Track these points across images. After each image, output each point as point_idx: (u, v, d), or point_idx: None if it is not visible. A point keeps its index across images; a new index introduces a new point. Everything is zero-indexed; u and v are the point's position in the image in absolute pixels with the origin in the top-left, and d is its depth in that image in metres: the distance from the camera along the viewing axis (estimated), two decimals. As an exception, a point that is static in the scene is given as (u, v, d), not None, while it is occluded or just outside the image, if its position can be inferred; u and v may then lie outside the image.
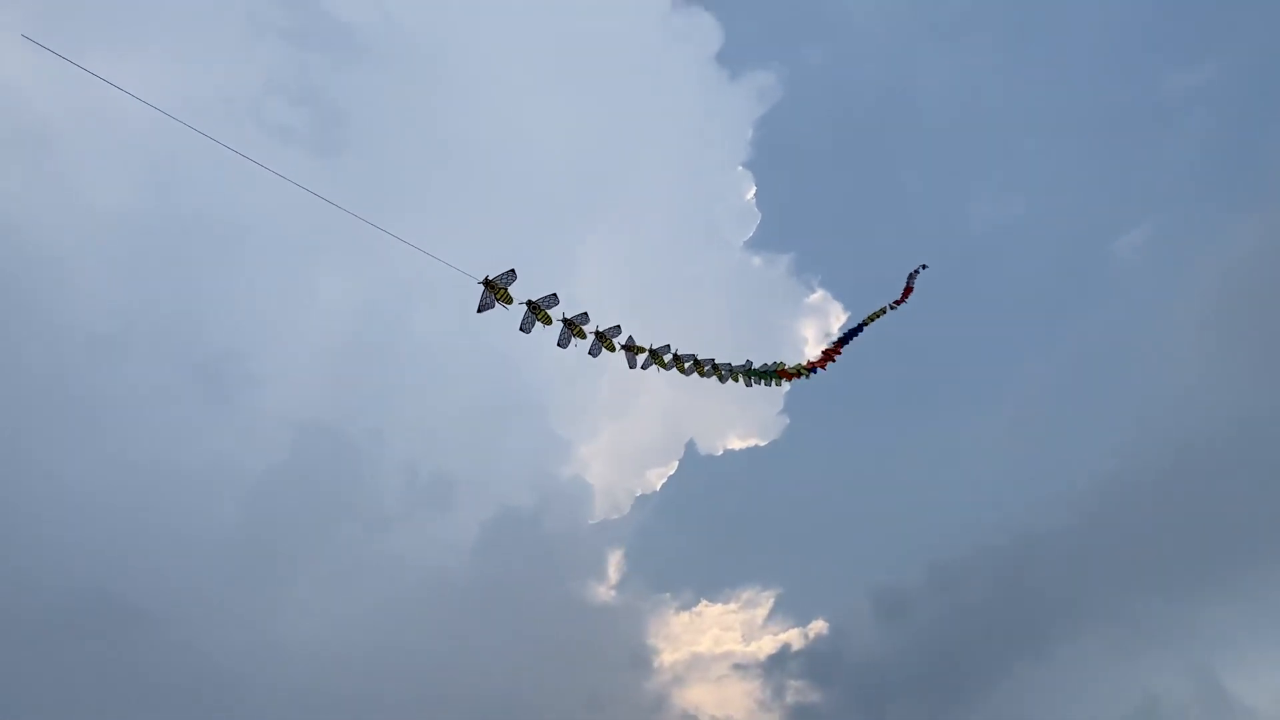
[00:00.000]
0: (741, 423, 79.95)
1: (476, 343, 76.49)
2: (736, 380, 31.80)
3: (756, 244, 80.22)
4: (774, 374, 33.84)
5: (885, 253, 79.61)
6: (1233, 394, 67.80)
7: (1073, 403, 76.96)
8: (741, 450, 79.60)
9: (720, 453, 79.96)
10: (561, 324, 23.14)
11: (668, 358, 27.54)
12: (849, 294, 77.67)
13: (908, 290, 47.07)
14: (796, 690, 71.33)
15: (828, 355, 40.23)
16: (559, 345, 23.31)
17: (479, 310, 20.06)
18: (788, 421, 79.21)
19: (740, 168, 79.06)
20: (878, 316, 44.33)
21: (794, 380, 36.60)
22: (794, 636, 75.10)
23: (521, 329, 21.74)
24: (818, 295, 79.92)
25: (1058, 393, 77.62)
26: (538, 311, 22.24)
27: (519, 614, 75.03)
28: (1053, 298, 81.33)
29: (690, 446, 79.97)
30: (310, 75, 74.82)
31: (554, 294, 21.98)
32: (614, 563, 79.18)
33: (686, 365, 28.29)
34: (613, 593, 78.32)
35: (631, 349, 25.82)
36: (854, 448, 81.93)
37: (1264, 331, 69.20)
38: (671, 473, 79.52)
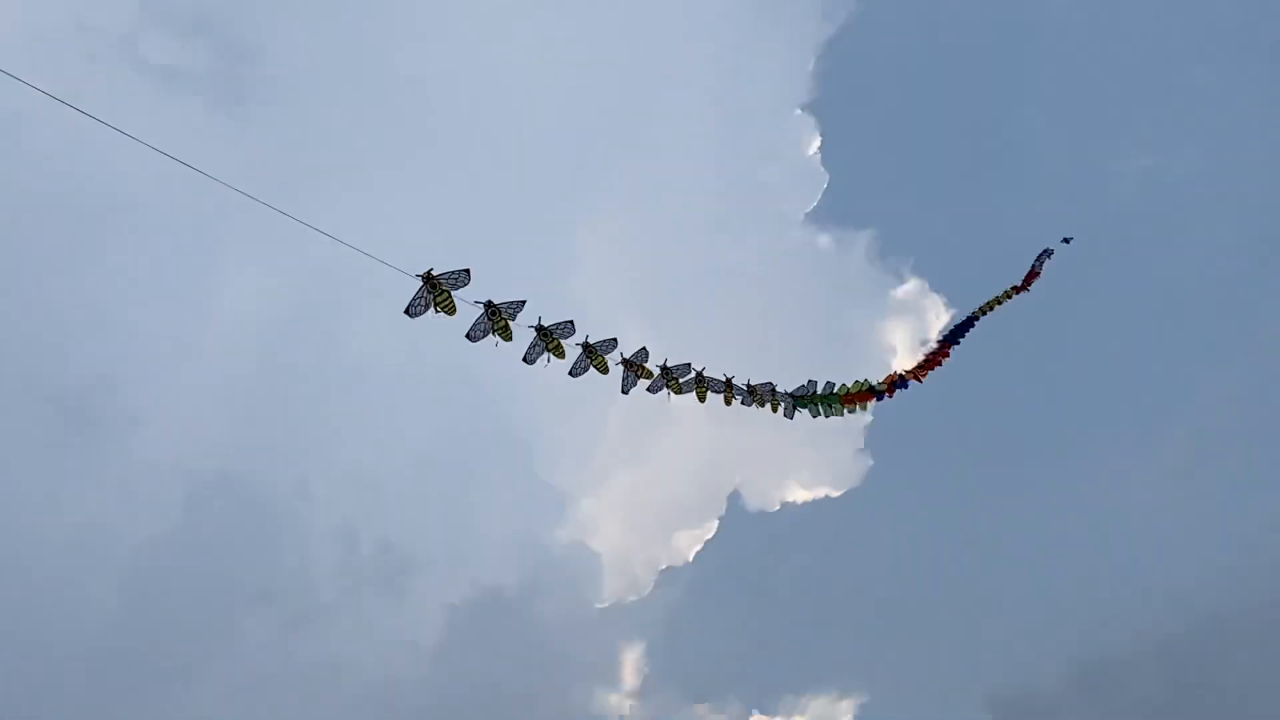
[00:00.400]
0: (806, 465, 66.01)
1: (437, 363, 60.92)
2: (792, 414, 27.30)
3: (823, 217, 66.55)
4: (836, 399, 28.89)
5: (1000, 224, 66.18)
6: None
7: (1275, 432, 60.60)
8: (806, 504, 65.58)
9: (776, 507, 66.04)
10: (581, 350, 19.99)
11: (685, 379, 23.07)
12: (953, 283, 61.95)
13: (1033, 273, 41.38)
14: None
15: (928, 362, 35.06)
16: (572, 374, 20.40)
17: (409, 311, 16.36)
18: (870, 463, 64.62)
19: (799, 111, 66.24)
20: (993, 306, 38.47)
21: (876, 403, 31.58)
22: None
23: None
24: (910, 286, 66.24)
25: (1252, 418, 61.42)
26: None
27: None
28: (1242, 285, 65.25)
29: (734, 500, 65.99)
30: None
31: (570, 321, 19.51)
32: (632, 662, 66.06)
33: (721, 392, 24.31)
34: (631, 703, 64.89)
35: (636, 369, 21.72)
36: (962, 498, 66.20)
37: None
38: (709, 536, 65.90)
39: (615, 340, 20.80)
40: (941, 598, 64.08)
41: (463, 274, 17.31)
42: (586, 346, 20.18)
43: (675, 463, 66.80)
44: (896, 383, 32.82)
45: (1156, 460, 64.48)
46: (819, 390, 28.78)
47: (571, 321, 19.58)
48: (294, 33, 63.50)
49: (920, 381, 34.06)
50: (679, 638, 66.00)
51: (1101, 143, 69.99)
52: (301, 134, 64.44)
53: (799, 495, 65.84)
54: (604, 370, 20.97)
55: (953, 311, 49.10)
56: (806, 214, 66.42)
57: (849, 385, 30.09)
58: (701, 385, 23.79)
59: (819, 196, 66.34)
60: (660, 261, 65.04)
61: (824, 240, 67.19)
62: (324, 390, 63.52)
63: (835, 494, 64.66)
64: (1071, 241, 45.13)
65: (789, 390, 27.05)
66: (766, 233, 66.33)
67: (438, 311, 17.34)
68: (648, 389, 22.49)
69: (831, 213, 66.48)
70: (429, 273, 16.80)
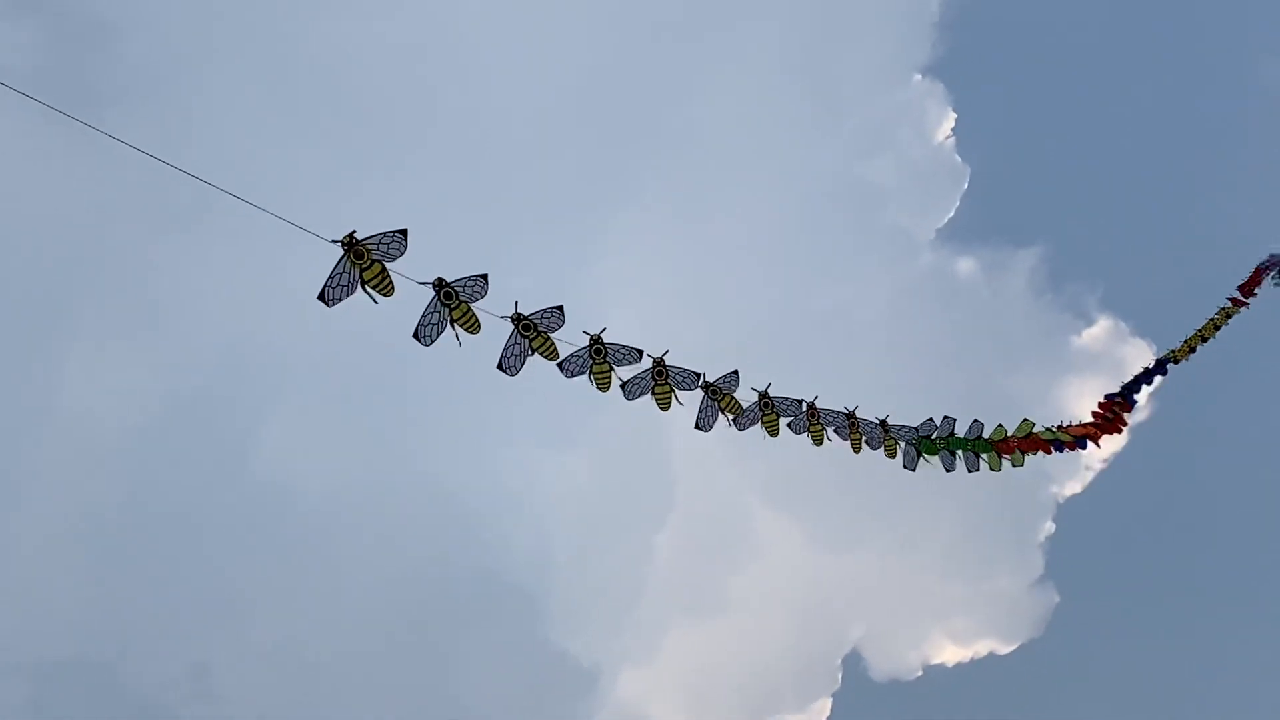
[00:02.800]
0: (959, 608, 58.33)
1: (395, 475, 55.48)
2: (914, 464, 24.31)
3: (963, 232, 60.05)
4: (988, 446, 25.53)
5: (1225, 231, 57.62)
6: None
7: None
8: (964, 665, 57.20)
9: (918, 674, 57.98)
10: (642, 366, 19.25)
11: (790, 413, 21.40)
12: (1163, 318, 56.39)
13: (1252, 282, 39.34)
14: None
15: (1104, 421, 31.03)
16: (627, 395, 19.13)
17: (324, 297, 15.58)
18: (1056, 600, 56.45)
19: (919, 77, 59.63)
20: (1197, 344, 36.15)
21: (1055, 454, 28.53)
22: None
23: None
24: (1100, 328, 59.22)
25: None
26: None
27: None
28: None
29: (854, 665, 58.08)
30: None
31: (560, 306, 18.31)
32: None
33: (845, 433, 22.64)
34: None
35: (719, 396, 20.17)
36: (1199, 646, 56.41)
37: None
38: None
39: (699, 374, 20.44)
40: None
41: (393, 238, 16.39)
42: (658, 364, 19.46)
43: (761, 614, 57.91)
44: (1084, 438, 30.06)
45: None
46: (963, 435, 25.51)
47: (561, 307, 17.96)
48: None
49: (1097, 445, 31.63)
50: None
51: None
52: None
53: (951, 655, 57.81)
54: (665, 406, 19.79)
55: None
56: (939, 229, 59.44)
57: (1028, 428, 27.16)
58: (816, 422, 21.79)
59: (957, 202, 59.20)
60: (715, 303, 57.27)
61: (966, 265, 60.02)
62: (226, 527, 54.91)
63: (1005, 650, 56.72)
64: None
65: (913, 429, 24.40)
66: (881, 257, 58.63)
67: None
68: (734, 423, 20.63)
69: (975, 226, 59.09)
70: (351, 236, 15.99)
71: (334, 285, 15.84)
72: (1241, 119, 62.31)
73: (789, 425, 21.19)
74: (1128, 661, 57.00)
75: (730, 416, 19.68)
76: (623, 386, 18.31)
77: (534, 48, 55.30)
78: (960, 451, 25.26)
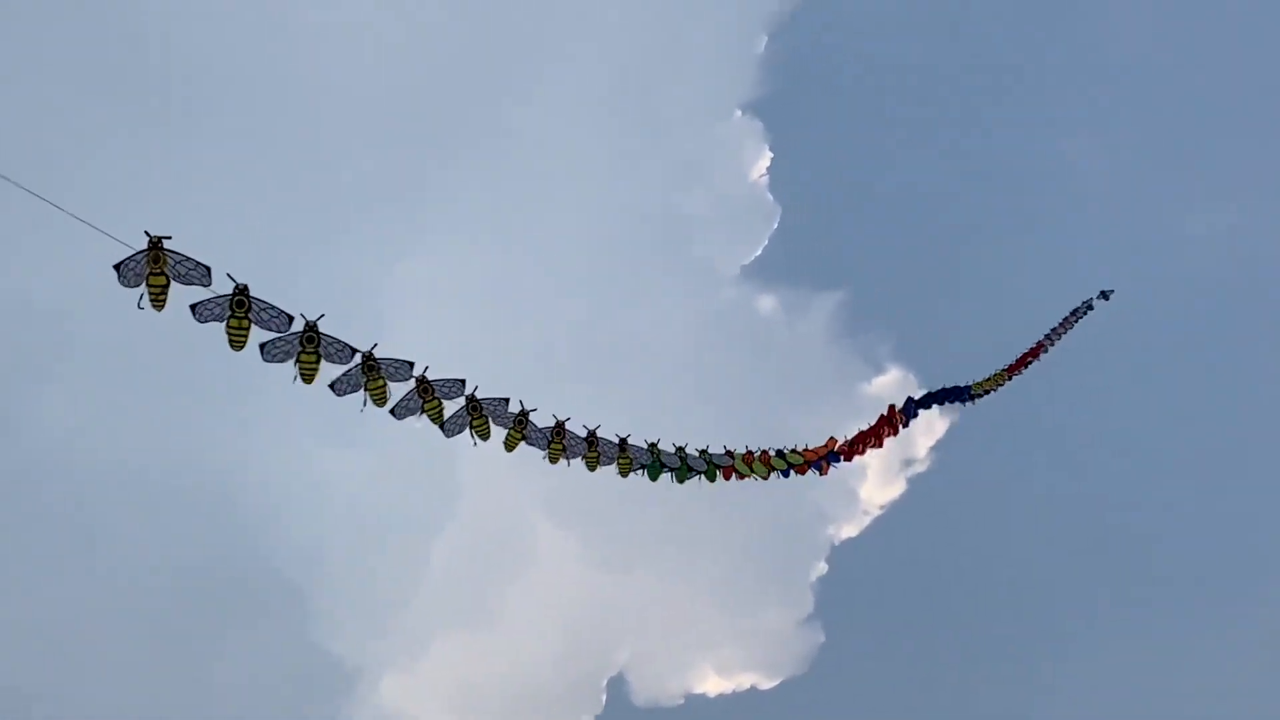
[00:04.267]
0: (726, 640, 64.42)
1: (157, 457, 59.97)
2: (655, 475, 27.45)
3: (768, 270, 66.14)
4: (714, 470, 29.28)
5: (1022, 290, 65.43)
6: None
7: None
8: (726, 697, 63.44)
9: (680, 702, 63.98)
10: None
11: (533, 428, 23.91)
12: (952, 374, 61.15)
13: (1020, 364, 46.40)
14: None
15: (869, 435, 36.92)
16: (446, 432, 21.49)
17: (119, 270, 16.53)
18: (821, 640, 62.91)
19: (739, 113, 65.69)
20: (991, 388, 43.71)
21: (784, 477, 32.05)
22: None
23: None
24: (890, 378, 65.66)
25: None
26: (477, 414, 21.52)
27: None
28: None
29: (617, 689, 63.70)
30: None
31: (462, 380, 21.08)
32: None
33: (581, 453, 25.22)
34: None
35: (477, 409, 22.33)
36: (953, 696, 64.17)
37: None
38: None
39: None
40: None
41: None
42: (421, 381, 20.59)
43: (531, 630, 63.35)
44: (829, 456, 33.77)
45: (1241, 634, 63.73)
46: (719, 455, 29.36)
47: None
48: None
49: (857, 456, 35.99)
50: None
51: (1168, 188, 70.90)
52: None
53: (713, 685, 63.80)
54: (484, 436, 22.53)
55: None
56: (745, 265, 65.58)
57: (791, 452, 31.41)
58: (560, 439, 23.79)
59: (765, 240, 65.55)
60: (513, 316, 62.64)
61: (767, 304, 66.15)
62: None
63: (766, 685, 63.02)
64: (1110, 298, 50.64)
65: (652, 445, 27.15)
66: (685, 288, 64.81)
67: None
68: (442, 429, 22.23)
69: (780, 265, 65.49)
70: (155, 240, 17.00)
71: (128, 268, 16.81)
72: (1041, 185, 70.95)
73: (525, 441, 23.53)
74: (886, 705, 63.69)
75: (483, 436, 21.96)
76: (392, 411, 20.01)
77: (356, 42, 59.78)
78: (690, 474, 28.58)
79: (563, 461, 24.89)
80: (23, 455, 58.67)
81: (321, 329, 17.94)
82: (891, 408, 38.34)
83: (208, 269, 16.87)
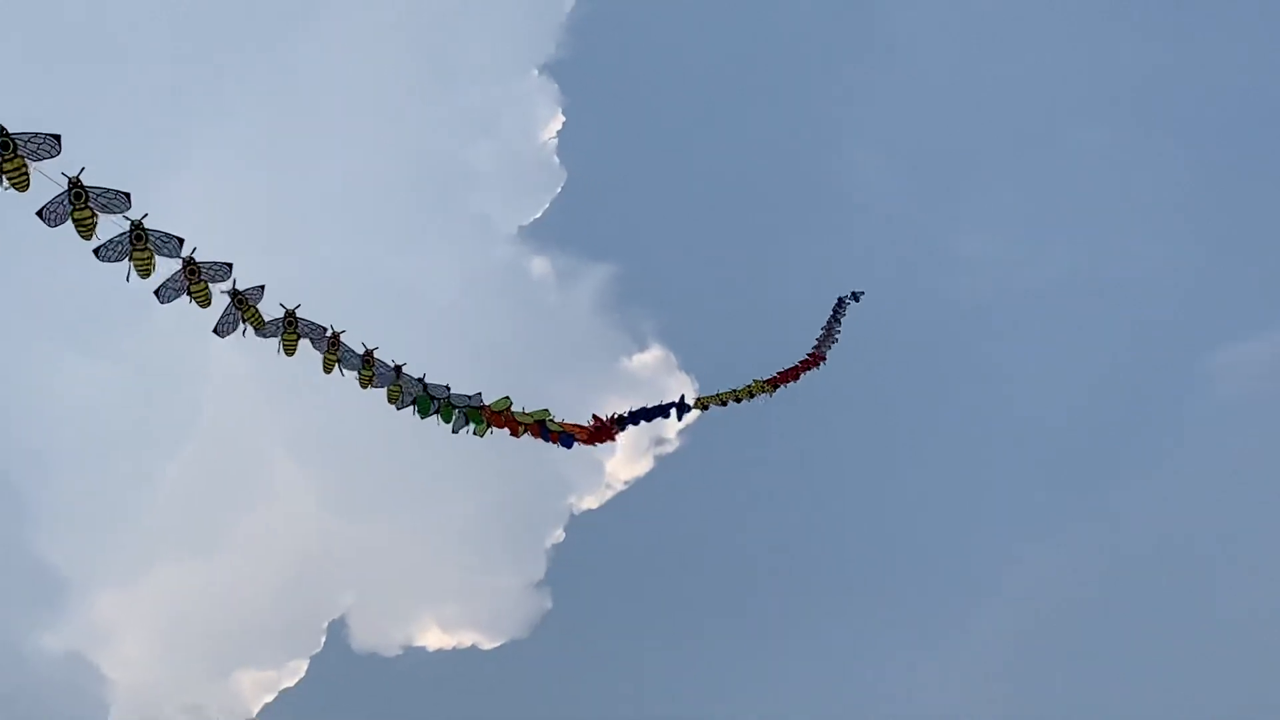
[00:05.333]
0: (453, 596, 68.49)
1: None
2: (425, 412, 28.67)
3: (545, 234, 69.75)
4: (479, 416, 30.56)
5: (793, 289, 69.61)
6: None
7: (1128, 624, 70.43)
8: (445, 653, 67.77)
9: (397, 652, 67.87)
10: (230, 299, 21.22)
11: (315, 334, 23.58)
12: (712, 365, 64.33)
13: (815, 358, 47.34)
14: None
15: (605, 427, 37.26)
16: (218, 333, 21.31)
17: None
18: (548, 607, 67.55)
19: (536, 73, 68.61)
20: (740, 397, 42.92)
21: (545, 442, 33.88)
22: None
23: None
24: (650, 356, 70.25)
25: (1100, 603, 70.94)
26: (243, 306, 21.25)
27: None
28: (1108, 434, 75.32)
29: (338, 633, 67.29)
30: None
31: (230, 264, 20.74)
32: None
33: (356, 368, 24.89)
34: None
35: (244, 306, 22.15)
36: (676, 677, 69.77)
37: None
38: (290, 683, 67.09)
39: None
40: None
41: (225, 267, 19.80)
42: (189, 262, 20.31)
43: (256, 563, 66.19)
44: (569, 436, 34.37)
45: (968, 641, 71.34)
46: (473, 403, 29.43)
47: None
48: None
49: (585, 443, 36.10)
50: None
51: (943, 209, 76.46)
52: None
53: (434, 639, 67.70)
54: (205, 303, 21.47)
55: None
56: (523, 226, 68.93)
57: (530, 412, 31.49)
58: (334, 350, 23.81)
59: (547, 204, 68.94)
60: (285, 243, 63.38)
61: (540, 266, 69.63)
62: None
63: (488, 645, 67.15)
64: (861, 298, 51.52)
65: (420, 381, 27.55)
66: (460, 240, 67.66)
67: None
68: (256, 332, 22.57)
69: (559, 230, 69.07)
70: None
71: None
72: (825, 187, 75.40)
73: (313, 344, 23.48)
74: (602, 677, 68.58)
75: (252, 327, 21.65)
76: (156, 293, 19.85)
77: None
78: (456, 412, 28.78)
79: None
80: None
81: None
82: (610, 421, 38.19)
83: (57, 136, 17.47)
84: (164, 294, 19.80)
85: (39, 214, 17.77)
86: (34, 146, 17.24)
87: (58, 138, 17.19)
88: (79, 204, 18.28)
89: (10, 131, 16.93)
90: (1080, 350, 76.49)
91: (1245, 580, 69.91)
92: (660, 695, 69.39)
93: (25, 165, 17.31)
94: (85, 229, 18.52)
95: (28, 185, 17.41)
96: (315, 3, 64.88)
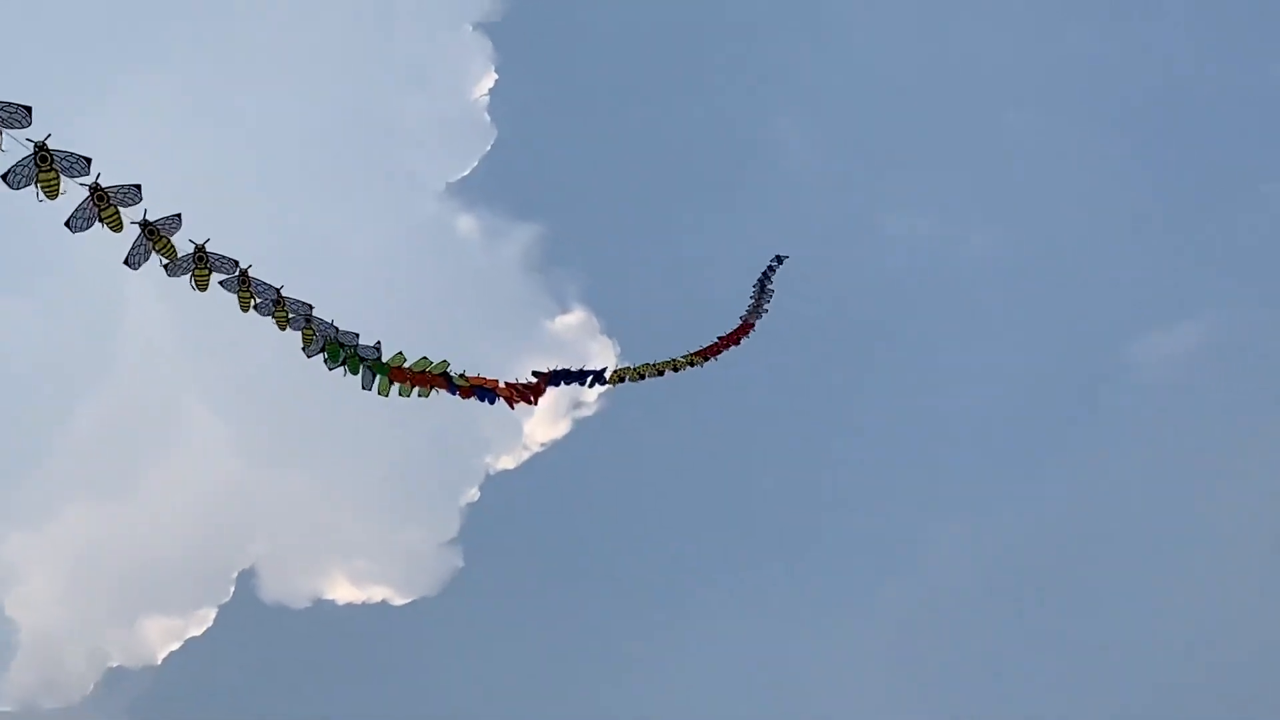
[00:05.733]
0: (365, 551, 69.87)
1: None
2: (333, 362, 29.28)
3: (473, 191, 70.81)
4: (385, 369, 31.80)
5: (718, 260, 70.90)
6: None
7: (1043, 595, 73.94)
8: (354, 607, 69.58)
9: (307, 604, 69.71)
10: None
11: (225, 274, 24.17)
12: (634, 330, 68.36)
13: (741, 330, 48.59)
14: None
15: (530, 390, 39.17)
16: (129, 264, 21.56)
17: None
18: (459, 565, 69.32)
19: (470, 28, 69.27)
20: (664, 370, 44.00)
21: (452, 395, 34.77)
22: None
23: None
24: (573, 319, 71.45)
25: (1021, 573, 74.11)
26: (154, 237, 21.48)
27: None
28: (1029, 417, 78.37)
29: (246, 582, 69.39)
30: None
31: (138, 185, 20.66)
32: None
33: (270, 310, 25.65)
34: None
35: (156, 238, 22.27)
36: (582, 638, 72.44)
37: None
38: (197, 631, 68.85)
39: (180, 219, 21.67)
40: None
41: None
42: (94, 189, 20.27)
43: (167, 510, 67.07)
44: (485, 387, 35.54)
45: (882, 618, 73.88)
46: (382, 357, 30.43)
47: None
48: None
49: (514, 402, 37.75)
50: None
51: (873, 187, 78.15)
52: None
53: (344, 593, 69.01)
54: (117, 228, 21.37)
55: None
56: (451, 183, 69.68)
57: (431, 364, 32.48)
58: (246, 288, 24.04)
59: (475, 161, 69.61)
60: (209, 188, 60.80)
61: (466, 224, 70.76)
62: None
63: (398, 601, 68.39)
64: (785, 260, 51.76)
65: (333, 326, 27.83)
66: (387, 194, 68.55)
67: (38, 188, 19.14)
68: (166, 269, 22.70)
69: (486, 188, 69.97)
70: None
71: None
72: (754, 158, 77.10)
73: (221, 283, 23.69)
74: (510, 635, 70.00)
75: (164, 261, 21.87)
76: (67, 223, 19.94)
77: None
78: (362, 366, 30.04)
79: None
80: None
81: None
82: (539, 382, 40.26)
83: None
84: (75, 223, 19.93)
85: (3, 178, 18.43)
86: (5, 115, 17.94)
87: (29, 109, 18.08)
88: (44, 166, 18.96)
89: None
90: (1004, 332, 78.87)
91: (1157, 561, 73.36)
92: (567, 655, 71.07)
93: None
94: (50, 190, 19.20)
95: None
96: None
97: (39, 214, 18.97)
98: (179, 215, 21.62)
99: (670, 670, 70.36)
